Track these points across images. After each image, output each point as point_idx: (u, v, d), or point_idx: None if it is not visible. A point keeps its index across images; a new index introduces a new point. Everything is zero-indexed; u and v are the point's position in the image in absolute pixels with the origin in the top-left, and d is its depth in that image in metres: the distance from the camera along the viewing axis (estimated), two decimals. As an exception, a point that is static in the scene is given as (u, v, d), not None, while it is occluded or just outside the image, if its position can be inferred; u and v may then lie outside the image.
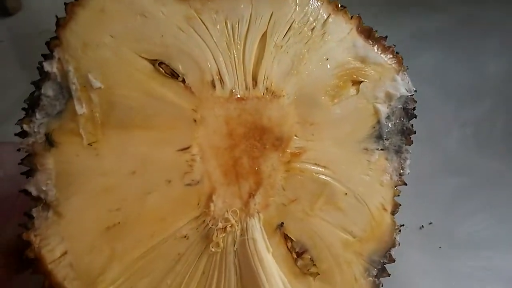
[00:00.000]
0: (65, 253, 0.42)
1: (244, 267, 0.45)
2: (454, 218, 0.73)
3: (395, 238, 0.50)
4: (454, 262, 0.68)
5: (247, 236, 0.45)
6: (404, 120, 0.50)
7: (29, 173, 0.42)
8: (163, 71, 0.44)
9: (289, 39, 0.47)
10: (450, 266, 0.68)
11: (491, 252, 0.69)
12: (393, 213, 0.50)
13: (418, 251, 0.67)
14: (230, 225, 0.45)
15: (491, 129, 0.82)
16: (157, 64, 0.44)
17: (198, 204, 0.45)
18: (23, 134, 0.42)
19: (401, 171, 0.50)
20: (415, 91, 0.51)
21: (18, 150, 0.43)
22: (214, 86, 0.45)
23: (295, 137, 0.47)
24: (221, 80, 0.45)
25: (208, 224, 0.45)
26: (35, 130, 0.42)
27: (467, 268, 0.68)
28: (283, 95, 0.47)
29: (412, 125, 0.51)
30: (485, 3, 1.02)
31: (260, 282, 0.44)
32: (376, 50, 0.50)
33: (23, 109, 0.43)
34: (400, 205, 0.51)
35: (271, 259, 0.45)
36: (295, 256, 0.47)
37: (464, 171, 0.76)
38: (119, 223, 0.43)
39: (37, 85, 0.43)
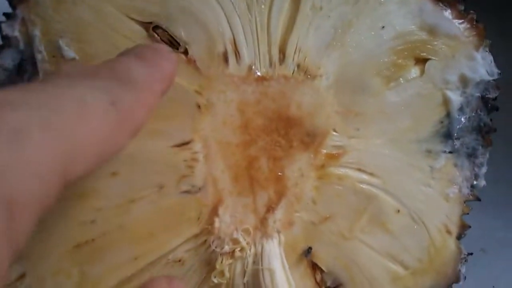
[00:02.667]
0: (23, 276, 0.34)
1: (257, 306, 0.35)
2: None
3: (460, 271, 0.39)
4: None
5: (261, 264, 0.35)
6: (482, 113, 0.39)
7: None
8: (159, 38, 0.34)
9: (332, -1, 0.36)
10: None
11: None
12: (459, 237, 0.39)
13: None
14: (239, 249, 0.35)
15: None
16: (152, 28, 0.34)
17: (198, 218, 0.35)
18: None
19: (474, 182, 0.39)
20: (500, 74, 0.39)
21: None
22: (226, 61, 0.34)
23: (333, 133, 0.36)
24: (237, 52, 0.35)
25: (210, 245, 0.35)
26: (-14, 113, 0.33)
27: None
28: (320, 75, 0.36)
29: (491, 120, 0.39)
30: None
31: (277, 327, 0.34)
32: (449, 17, 0.37)
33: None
34: (470, 226, 0.39)
35: (293, 296, 0.35)
36: (325, 292, 0.36)
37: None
38: (93, 240, 0.34)
39: (-8, 53, 0.33)
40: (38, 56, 0.33)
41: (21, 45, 0.33)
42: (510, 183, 0.63)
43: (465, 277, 0.39)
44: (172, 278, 0.28)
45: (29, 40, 0.33)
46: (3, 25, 0.33)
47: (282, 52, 0.35)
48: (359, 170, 0.36)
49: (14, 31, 0.33)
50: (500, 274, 0.55)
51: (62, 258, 0.34)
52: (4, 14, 0.34)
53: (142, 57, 0.27)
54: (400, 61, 0.37)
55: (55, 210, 0.33)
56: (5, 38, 0.33)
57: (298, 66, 0.35)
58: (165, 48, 0.29)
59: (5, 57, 0.33)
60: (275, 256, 0.35)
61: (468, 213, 0.39)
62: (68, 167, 0.22)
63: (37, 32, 0.33)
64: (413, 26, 0.37)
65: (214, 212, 0.35)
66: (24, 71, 0.33)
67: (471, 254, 0.39)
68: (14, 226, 0.20)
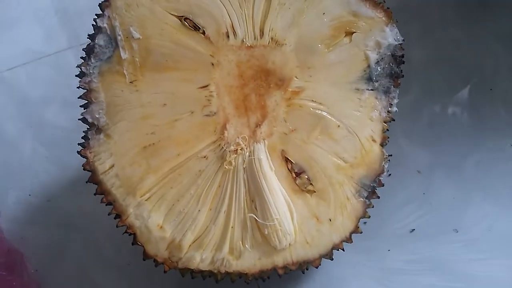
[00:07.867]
0: (112, 166, 0.60)
1: (252, 181, 0.60)
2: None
3: (384, 166, 0.64)
4: (386, 257, 0.77)
5: (254, 156, 0.60)
6: (393, 65, 0.64)
7: (86, 105, 0.60)
8: (188, 25, 0.60)
9: (290, -3, 0.62)
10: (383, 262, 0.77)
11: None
12: (382, 144, 0.64)
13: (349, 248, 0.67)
14: (240, 148, 0.60)
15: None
16: (183, 19, 0.60)
17: (214, 131, 0.61)
18: (81, 74, 0.60)
19: (389, 109, 0.64)
20: (403, 40, 0.64)
21: (78, 87, 0.60)
22: (228, 37, 0.60)
23: (295, 78, 0.61)
24: (234, 31, 0.61)
25: (223, 147, 0.60)
26: (91, 71, 0.59)
27: (399, 263, 0.77)
28: (285, 44, 0.61)
29: (401, 70, 0.64)
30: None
31: (263, 193, 0.59)
32: (367, 6, 0.63)
33: (82, 58, 0.61)
34: (389, 138, 0.64)
35: (273, 175, 0.61)
36: (294, 175, 0.62)
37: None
38: (153, 144, 0.60)
39: (92, 37, 0.60)
40: (119, 38, 0.59)
41: (108, 31, 0.60)
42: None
43: (388, 171, 0.64)
44: None
45: (112, 28, 0.60)
46: (97, 20, 0.60)
47: (262, 31, 0.61)
48: (312, 101, 0.62)
49: (104, 23, 0.60)
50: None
51: (135, 155, 0.60)
52: (96, 14, 0.61)
53: None
54: (336, 34, 0.63)
55: (131, 127, 0.59)
56: (99, 28, 0.60)
57: (272, 38, 0.61)
58: None
59: (99, 39, 0.60)
60: (262, 152, 0.61)
61: (388, 130, 0.64)
62: None
63: (117, 23, 0.59)
64: (343, 12, 0.63)
65: (224, 127, 0.61)
66: (110, 46, 0.60)
67: (391, 155, 0.64)
68: None
